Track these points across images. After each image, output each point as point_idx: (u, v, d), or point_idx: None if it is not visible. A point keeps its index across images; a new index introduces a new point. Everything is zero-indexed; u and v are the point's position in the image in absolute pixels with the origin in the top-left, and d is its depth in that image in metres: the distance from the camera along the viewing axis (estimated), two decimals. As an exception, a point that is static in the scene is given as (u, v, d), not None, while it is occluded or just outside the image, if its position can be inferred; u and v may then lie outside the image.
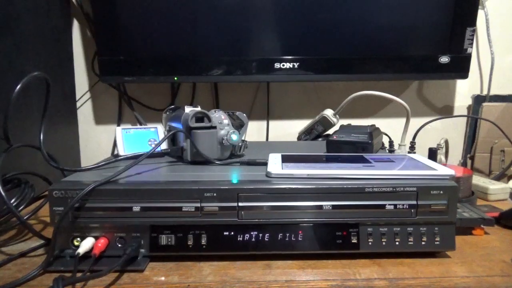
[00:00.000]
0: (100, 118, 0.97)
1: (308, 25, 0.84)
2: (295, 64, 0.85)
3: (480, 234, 0.54)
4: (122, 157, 0.54)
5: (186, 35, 0.83)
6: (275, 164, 0.51)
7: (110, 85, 0.95)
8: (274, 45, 0.85)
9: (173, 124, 0.61)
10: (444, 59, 0.86)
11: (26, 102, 0.69)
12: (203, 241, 0.45)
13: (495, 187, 0.70)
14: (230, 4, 0.82)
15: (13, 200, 0.51)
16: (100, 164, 0.52)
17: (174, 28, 0.82)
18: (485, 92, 0.97)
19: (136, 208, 0.45)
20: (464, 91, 0.99)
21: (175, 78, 0.85)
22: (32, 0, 0.71)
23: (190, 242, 0.45)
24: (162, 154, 0.59)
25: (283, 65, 0.85)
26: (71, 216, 0.44)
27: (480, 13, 0.92)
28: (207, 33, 0.83)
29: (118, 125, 0.97)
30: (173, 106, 0.67)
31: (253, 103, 0.98)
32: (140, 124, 0.68)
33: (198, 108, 0.58)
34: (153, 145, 0.61)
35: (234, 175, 0.49)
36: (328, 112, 0.84)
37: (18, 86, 0.47)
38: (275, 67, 0.85)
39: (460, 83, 0.99)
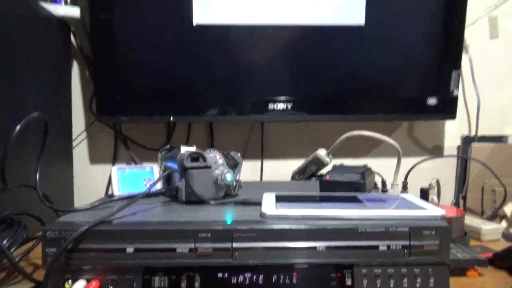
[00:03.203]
0: (95, 158, 0.98)
1: (300, 67, 0.87)
2: (288, 105, 0.88)
3: (474, 275, 0.54)
4: (116, 197, 0.55)
5: (182, 77, 0.86)
6: (269, 204, 0.52)
7: (106, 125, 0.96)
8: (268, 86, 0.88)
9: (169, 164, 0.62)
10: (432, 101, 0.89)
11: (23, 140, 0.69)
12: (197, 284, 0.45)
13: (488, 228, 0.71)
14: (224, 48, 0.86)
15: (5, 241, 0.50)
16: (95, 204, 0.52)
17: (171, 71, 0.85)
18: (473, 133, 1.00)
19: (130, 249, 0.45)
20: (453, 131, 1.02)
21: (171, 118, 0.87)
22: (33, 41, 0.73)
23: (183, 285, 0.45)
24: (157, 194, 0.59)
25: (277, 106, 0.87)
26: (64, 258, 0.44)
27: (464, 57, 0.97)
28: (202, 75, 0.86)
29: (113, 165, 0.97)
30: (168, 146, 0.69)
31: (247, 143, 1.00)
32: (135, 164, 0.69)
33: (194, 148, 0.60)
34: (148, 185, 0.61)
35: (229, 215, 0.50)
36: (321, 152, 0.86)
37: (17, 128, 0.48)
38: (269, 107, 0.87)
39: (448, 124, 1.02)
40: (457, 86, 0.89)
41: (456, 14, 0.86)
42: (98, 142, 0.98)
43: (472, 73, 0.99)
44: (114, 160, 0.98)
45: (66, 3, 0.82)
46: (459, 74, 0.89)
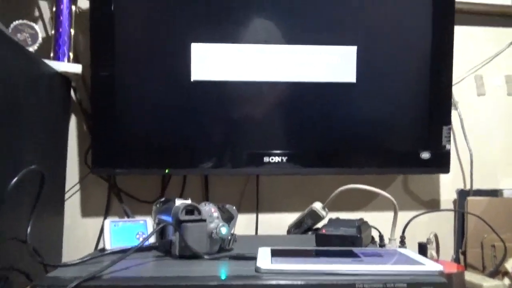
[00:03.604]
0: (87, 210, 0.97)
1: (295, 122, 0.91)
2: (283, 158, 0.89)
3: (478, 335, 0.52)
4: (108, 251, 0.54)
5: (178, 131, 0.88)
6: (264, 258, 0.52)
7: (100, 177, 0.96)
8: (263, 140, 0.90)
9: (163, 217, 0.62)
10: (425, 155, 0.91)
11: (16, 191, 0.69)
12: None
13: (490, 284, 0.70)
14: (220, 103, 0.89)
15: (-11, 298, 0.49)
16: (85, 259, 0.51)
17: (167, 125, 0.88)
18: (468, 187, 1.02)
19: (120, 306, 0.43)
20: (448, 185, 1.04)
21: (167, 171, 0.88)
22: (35, 95, 0.76)
23: None
24: (150, 248, 0.59)
25: (272, 159, 0.89)
26: (50, 316, 0.43)
27: (454, 113, 1.01)
28: (199, 128, 0.88)
29: (105, 218, 0.96)
30: (163, 199, 0.69)
31: (243, 196, 1.00)
32: (128, 217, 0.69)
33: (189, 201, 0.60)
34: (141, 239, 0.61)
35: (223, 270, 0.49)
36: (317, 205, 0.86)
37: (14, 180, 0.48)
38: (264, 160, 0.89)
39: (443, 178, 1.04)
40: (449, 141, 0.92)
41: (443, 72, 0.91)
42: (91, 194, 0.98)
43: (463, 128, 1.03)
44: (106, 213, 0.97)
45: (68, 60, 0.86)
46: (450, 129, 0.92)
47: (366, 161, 0.92)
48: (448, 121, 0.92)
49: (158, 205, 0.68)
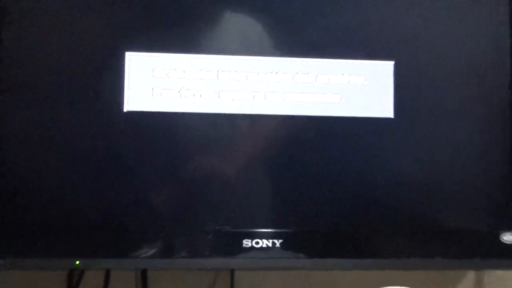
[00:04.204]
0: None
1: (296, 181, 0.91)
2: (275, 241, 0.89)
3: None
4: None
5: (98, 194, 0.88)
6: None
7: (-34, 272, 0.95)
8: (242, 211, 0.90)
9: None
10: (509, 238, 0.92)
11: None
12: None
13: None
14: (170, 146, 0.90)
15: None
16: None
17: (80, 184, 0.88)
18: None
19: None
20: (549, 286, 1.04)
21: (77, 263, 0.86)
22: None
23: None
24: None
25: (257, 243, 0.88)
26: None
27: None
28: (133, 190, 0.88)
29: None
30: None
31: (207, 304, 0.99)
32: None
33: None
34: None
35: None
36: (330, 324, 0.85)
37: None
38: (243, 245, 0.88)
39: (541, 274, 1.05)
40: (546, 214, 0.93)
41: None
42: None
43: None
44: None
45: None
46: (547, 193, 0.94)
47: (413, 248, 0.92)
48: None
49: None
